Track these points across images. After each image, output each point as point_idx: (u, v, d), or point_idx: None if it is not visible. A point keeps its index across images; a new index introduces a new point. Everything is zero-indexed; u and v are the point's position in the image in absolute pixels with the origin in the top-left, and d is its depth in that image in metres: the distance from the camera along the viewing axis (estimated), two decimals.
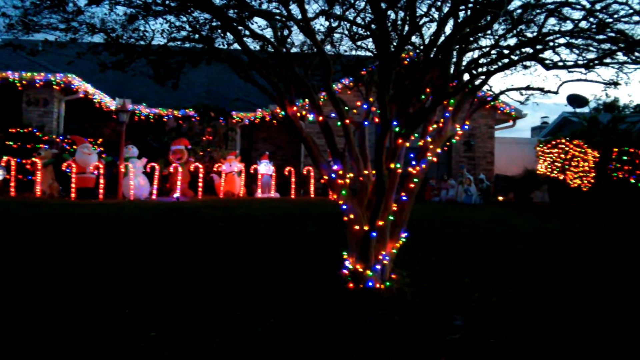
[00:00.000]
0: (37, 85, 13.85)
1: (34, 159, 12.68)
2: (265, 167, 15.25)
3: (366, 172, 5.27)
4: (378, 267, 4.65)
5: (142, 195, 13.16)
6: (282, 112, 5.20)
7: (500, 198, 15.71)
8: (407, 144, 4.83)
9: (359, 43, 6.83)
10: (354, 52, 7.24)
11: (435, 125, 5.34)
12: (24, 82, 13.76)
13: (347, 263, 4.82)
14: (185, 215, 9.77)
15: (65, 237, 6.87)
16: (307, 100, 5.37)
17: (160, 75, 7.12)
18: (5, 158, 12.92)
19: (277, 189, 15.24)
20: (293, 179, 15.21)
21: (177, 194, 13.52)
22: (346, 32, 6.64)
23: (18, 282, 4.52)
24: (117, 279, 4.73)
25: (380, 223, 4.63)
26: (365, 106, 5.98)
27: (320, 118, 5.15)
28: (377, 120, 4.99)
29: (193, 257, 5.85)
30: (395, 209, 4.87)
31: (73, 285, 4.44)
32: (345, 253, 4.88)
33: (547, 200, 16.46)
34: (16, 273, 4.85)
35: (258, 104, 17.46)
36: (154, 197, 13.41)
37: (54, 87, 14.04)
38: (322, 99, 5.63)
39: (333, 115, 5.27)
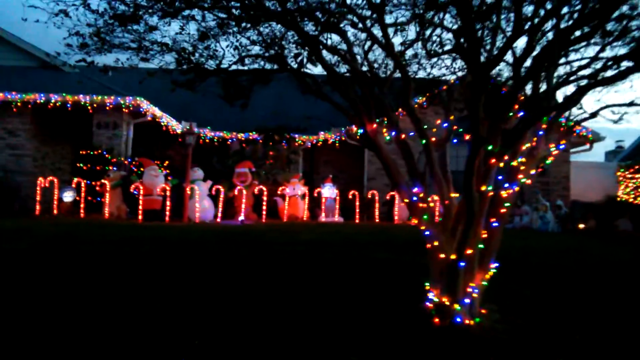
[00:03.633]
0: (107, 108, 14.17)
1: (103, 181, 12.86)
2: (329, 191, 14.95)
3: (452, 195, 4.87)
4: (467, 300, 4.19)
5: (207, 217, 13.11)
6: (360, 131, 4.90)
7: (581, 226, 14.70)
8: (501, 164, 4.42)
9: (434, 60, 6.47)
10: (428, 70, 6.87)
11: (528, 145, 4.88)
12: (94, 105, 14.10)
13: (430, 295, 4.36)
14: (251, 239, 9.54)
15: (131, 259, 6.72)
16: (376, 119, 5.06)
17: (230, 94, 6.96)
18: (75, 180, 13.18)
19: (340, 213, 14.87)
20: (357, 203, 14.81)
21: (241, 217, 13.39)
22: (420, 49, 6.29)
23: (84, 301, 4.32)
24: (182, 303, 4.45)
25: (469, 252, 4.18)
26: (445, 124, 5.57)
27: (402, 136, 4.79)
28: (467, 137, 4.62)
29: (260, 283, 5.53)
30: (484, 236, 4.41)
31: (137, 309, 4.19)
32: (427, 284, 4.43)
33: (630, 229, 15.31)
34: (83, 292, 4.67)
35: (321, 125, 17.33)
36: (218, 219, 13.32)
37: (123, 110, 14.32)
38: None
39: (411, 134, 4.91)
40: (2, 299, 4.60)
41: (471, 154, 4.01)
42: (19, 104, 13.98)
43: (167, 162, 14.47)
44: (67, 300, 4.59)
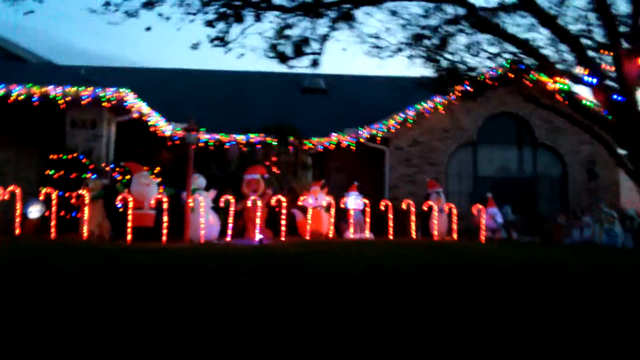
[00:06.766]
0: (84, 102, 11.46)
1: (80, 192, 10.15)
2: (354, 201, 12.43)
3: None
4: None
5: (212, 235, 10.48)
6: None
7: None
8: None
9: None
10: None
11: None
12: (67, 98, 11.39)
13: None
14: (288, 266, 6.92)
15: (123, 299, 4.14)
16: None
17: (283, 50, 4.56)
18: (44, 191, 10.44)
19: (371, 228, 12.33)
20: (390, 216, 12.31)
21: (260, 235, 10.75)
22: None
23: None
24: None
25: None
26: None
27: None
28: None
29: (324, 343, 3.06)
30: None
31: None
32: None
33: None
34: None
35: (330, 127, 15.31)
36: (228, 238, 10.68)
37: (104, 104, 11.63)
38: None
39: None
40: None
41: None
42: None
43: (158, 168, 11.79)
44: None
